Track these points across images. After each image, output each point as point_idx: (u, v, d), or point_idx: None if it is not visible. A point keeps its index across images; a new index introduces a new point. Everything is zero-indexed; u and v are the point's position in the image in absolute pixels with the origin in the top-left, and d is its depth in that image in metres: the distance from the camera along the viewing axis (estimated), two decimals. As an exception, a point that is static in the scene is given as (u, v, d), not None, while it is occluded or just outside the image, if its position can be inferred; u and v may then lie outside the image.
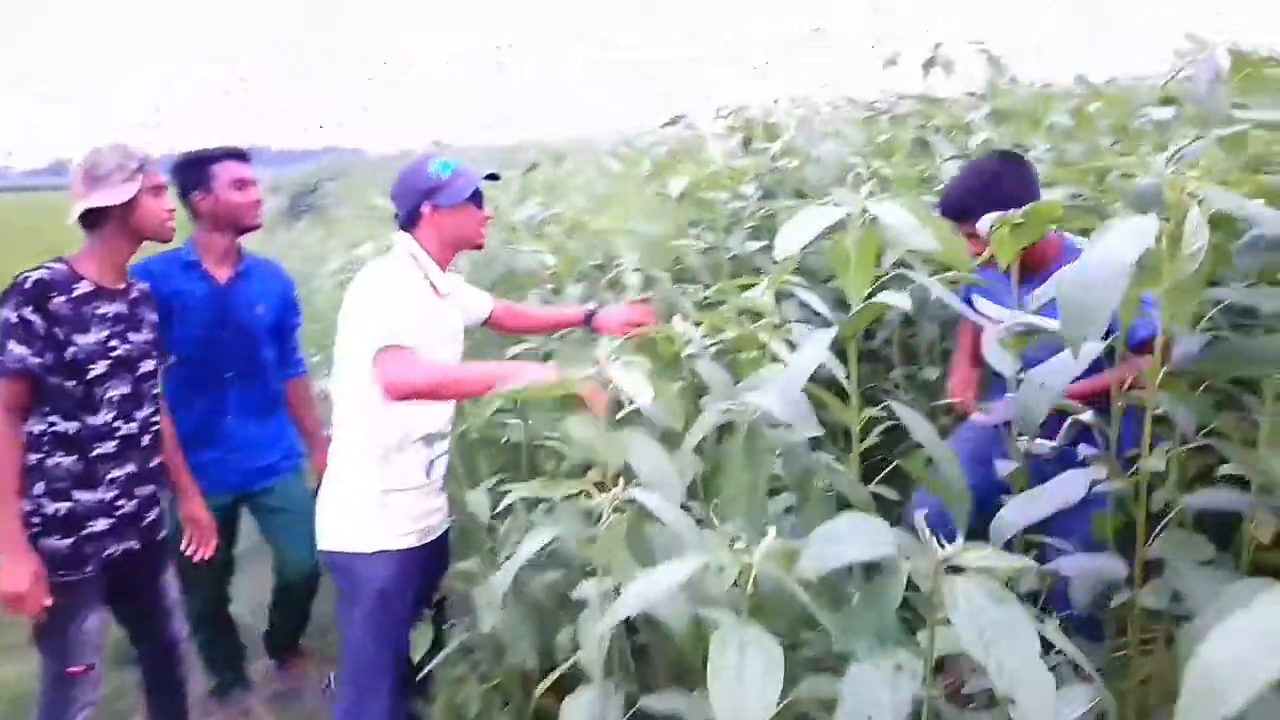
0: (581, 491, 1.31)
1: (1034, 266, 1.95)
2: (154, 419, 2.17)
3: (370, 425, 1.96)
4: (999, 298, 2.10)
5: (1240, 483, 1.60)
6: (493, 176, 2.18)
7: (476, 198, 2.08)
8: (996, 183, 2.03)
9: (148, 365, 2.16)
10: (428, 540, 2.08)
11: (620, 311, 2.35)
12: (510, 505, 2.22)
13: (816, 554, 0.91)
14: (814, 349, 1.17)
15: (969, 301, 2.21)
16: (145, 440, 2.14)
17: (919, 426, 1.27)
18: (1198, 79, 1.27)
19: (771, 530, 1.04)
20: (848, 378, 1.34)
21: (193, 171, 2.49)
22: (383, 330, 1.85)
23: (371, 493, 1.98)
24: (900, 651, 0.86)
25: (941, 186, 3.10)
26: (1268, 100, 1.31)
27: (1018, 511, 1.14)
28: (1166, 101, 2.98)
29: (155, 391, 2.19)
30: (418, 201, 2.04)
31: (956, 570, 0.84)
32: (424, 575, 2.07)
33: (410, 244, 2.06)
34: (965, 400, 2.28)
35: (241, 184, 2.51)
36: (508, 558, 1.92)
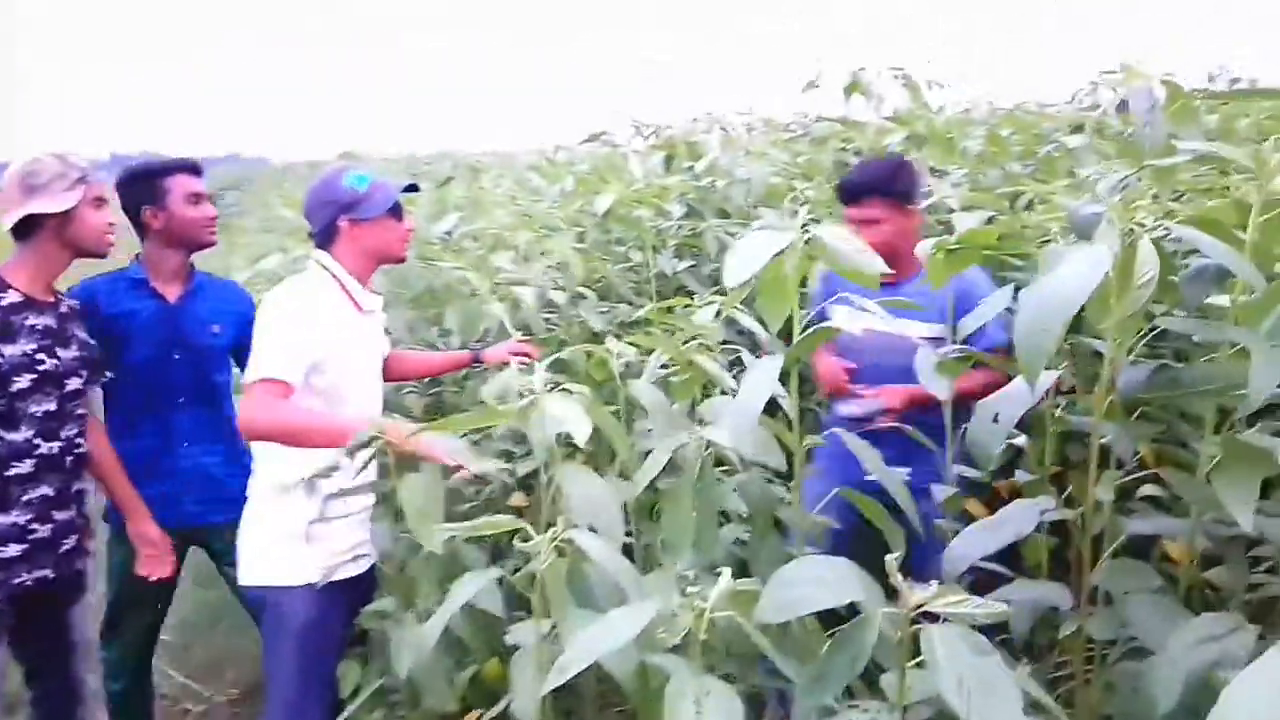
0: (517, 530, 1.22)
1: (903, 270, 2.14)
2: (78, 440, 2.06)
3: (289, 454, 1.84)
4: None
5: (1156, 503, 1.63)
6: (412, 188, 2.09)
7: (396, 210, 1.99)
8: (895, 176, 2.29)
9: (74, 383, 2.04)
10: (355, 573, 1.97)
11: (506, 345, 2.40)
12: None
13: (779, 600, 0.86)
14: (763, 376, 1.12)
15: (833, 290, 2.31)
16: (67, 462, 2.03)
17: (868, 456, 1.23)
18: (1135, 108, 1.28)
19: (726, 572, 0.98)
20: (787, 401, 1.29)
21: (143, 185, 2.32)
22: (261, 362, 1.77)
23: (294, 524, 1.87)
24: (872, 703, 0.81)
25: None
26: (1196, 132, 1.34)
27: (971, 543, 1.11)
28: (1077, 129, 3.09)
29: (81, 412, 2.08)
30: (334, 216, 1.95)
31: (930, 616, 0.79)
32: (351, 609, 1.97)
33: (328, 261, 1.96)
34: (840, 383, 2.27)
35: (196, 198, 2.35)
36: (428, 593, 1.84)
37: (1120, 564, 1.20)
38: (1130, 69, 1.43)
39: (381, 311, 2.14)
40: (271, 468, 1.92)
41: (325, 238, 1.97)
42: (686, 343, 1.79)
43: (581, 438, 1.29)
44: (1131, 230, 1.09)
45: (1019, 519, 1.13)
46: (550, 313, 3.05)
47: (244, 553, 1.96)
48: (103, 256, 2.10)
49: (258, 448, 1.93)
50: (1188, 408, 1.45)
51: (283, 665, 1.92)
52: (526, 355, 2.35)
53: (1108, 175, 1.80)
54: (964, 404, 2.02)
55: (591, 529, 1.24)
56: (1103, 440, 1.22)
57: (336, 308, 1.94)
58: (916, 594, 0.80)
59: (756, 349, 2.29)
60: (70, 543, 2.06)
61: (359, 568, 1.99)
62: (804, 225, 1.11)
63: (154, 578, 2.25)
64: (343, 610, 1.95)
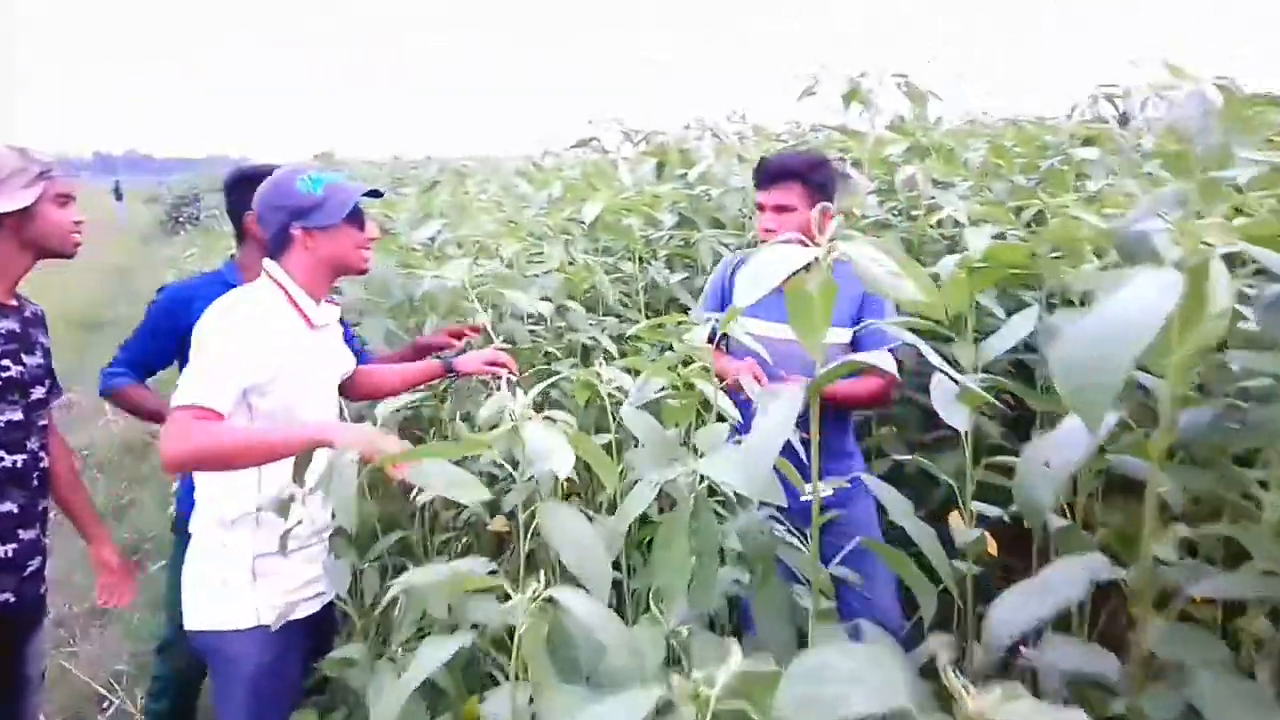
0: (496, 586, 1.07)
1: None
2: (42, 454, 1.93)
3: (233, 484, 1.67)
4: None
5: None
6: (375, 193, 1.91)
7: (356, 216, 1.82)
8: (816, 168, 2.25)
9: (39, 391, 1.93)
10: (311, 612, 1.81)
11: (480, 353, 2.26)
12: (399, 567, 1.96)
13: (803, 698, 0.71)
14: (782, 413, 0.97)
15: (733, 278, 2.30)
16: (34, 478, 1.90)
17: (896, 505, 1.09)
18: (1187, 115, 1.14)
19: (735, 650, 0.83)
20: (805, 442, 1.15)
21: (249, 189, 2.23)
22: (187, 387, 1.58)
23: (241, 561, 1.71)
24: (917, 831, 0.66)
25: (866, 221, 3.02)
26: (1255, 141, 1.20)
27: (1017, 609, 0.97)
28: (1087, 141, 2.97)
29: (44, 423, 1.96)
30: (286, 222, 1.76)
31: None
32: (308, 653, 1.80)
33: (277, 272, 1.78)
34: (753, 373, 2.08)
35: None
36: (401, 642, 1.68)
37: (1178, 630, 1.05)
38: (1176, 70, 1.30)
39: (338, 323, 1.96)
40: (214, 495, 1.74)
41: (277, 246, 1.78)
42: (687, 364, 1.64)
43: (563, 472, 1.15)
44: (1197, 251, 0.95)
45: (1066, 583, 0.99)
46: (535, 324, 2.90)
47: (188, 596, 1.77)
48: (69, 256, 1.98)
49: (200, 479, 1.75)
50: (1242, 451, 1.31)
51: (234, 713, 1.76)
52: (502, 365, 2.19)
53: (1115, 186, 1.67)
54: (854, 406, 2.28)
55: (576, 581, 1.09)
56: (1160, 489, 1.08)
57: (284, 325, 1.75)
58: (977, 699, 0.66)
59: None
60: (35, 564, 1.91)
61: (315, 606, 1.82)
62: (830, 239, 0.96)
63: (113, 604, 2.14)
64: (299, 654, 1.78)
